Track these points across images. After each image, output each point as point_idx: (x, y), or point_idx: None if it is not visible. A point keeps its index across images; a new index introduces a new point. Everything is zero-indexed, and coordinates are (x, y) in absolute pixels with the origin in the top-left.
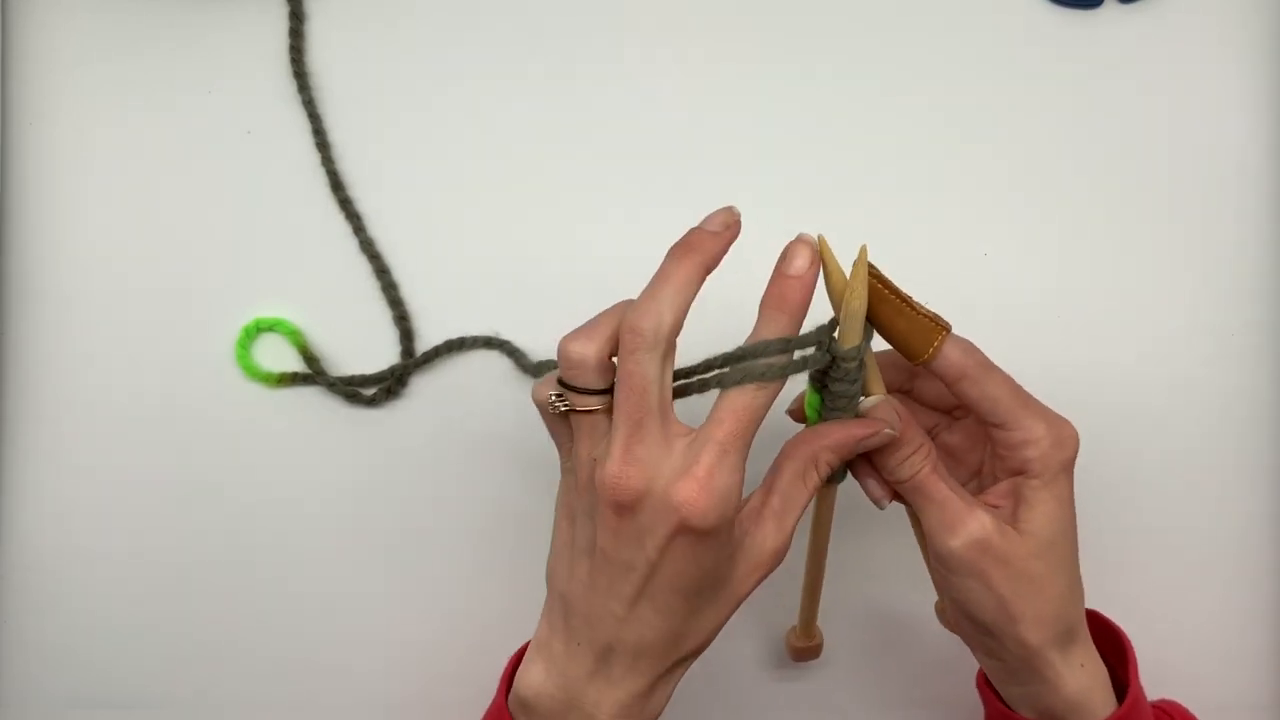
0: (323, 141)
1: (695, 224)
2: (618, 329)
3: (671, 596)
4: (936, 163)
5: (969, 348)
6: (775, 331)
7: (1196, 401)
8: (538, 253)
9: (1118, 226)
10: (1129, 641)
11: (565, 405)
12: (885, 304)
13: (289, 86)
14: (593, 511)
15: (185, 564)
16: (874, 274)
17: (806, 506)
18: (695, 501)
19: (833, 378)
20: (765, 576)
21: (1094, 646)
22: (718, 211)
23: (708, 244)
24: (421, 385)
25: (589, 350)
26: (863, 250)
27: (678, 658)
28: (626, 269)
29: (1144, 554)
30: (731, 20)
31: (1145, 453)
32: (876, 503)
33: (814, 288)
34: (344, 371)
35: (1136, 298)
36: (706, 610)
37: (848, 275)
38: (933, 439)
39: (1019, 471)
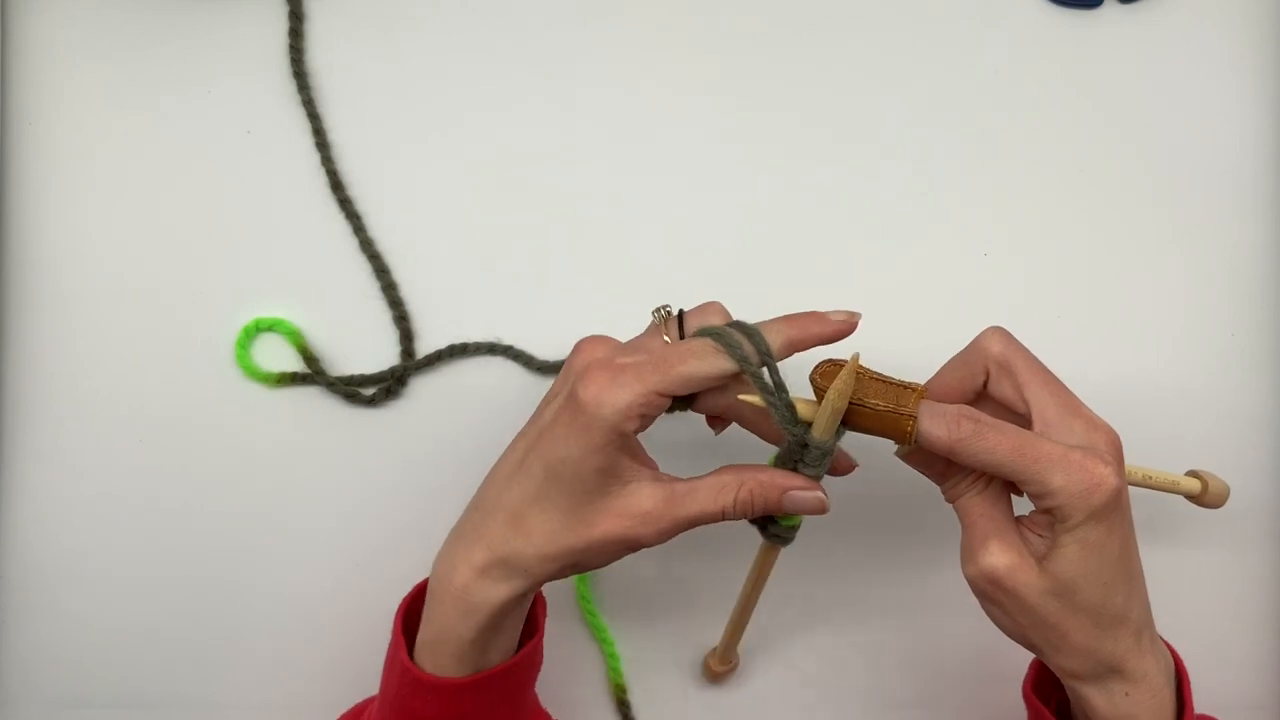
0: (322, 141)
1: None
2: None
3: (536, 466)
4: (936, 162)
5: (953, 420)
6: (768, 332)
7: (1196, 401)
8: (536, 252)
9: (1117, 226)
10: (1184, 670)
11: (669, 314)
12: (850, 413)
13: (289, 86)
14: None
15: (185, 563)
16: (820, 384)
17: (706, 516)
18: (589, 377)
19: (803, 462)
20: (622, 538)
21: (1152, 678)
22: (842, 311)
23: (812, 324)
24: (421, 386)
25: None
26: (854, 357)
27: (511, 551)
28: (627, 268)
29: (1143, 554)
30: (731, 22)
31: (1144, 452)
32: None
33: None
34: (343, 371)
35: (1136, 297)
36: (553, 512)
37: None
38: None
39: (1048, 513)
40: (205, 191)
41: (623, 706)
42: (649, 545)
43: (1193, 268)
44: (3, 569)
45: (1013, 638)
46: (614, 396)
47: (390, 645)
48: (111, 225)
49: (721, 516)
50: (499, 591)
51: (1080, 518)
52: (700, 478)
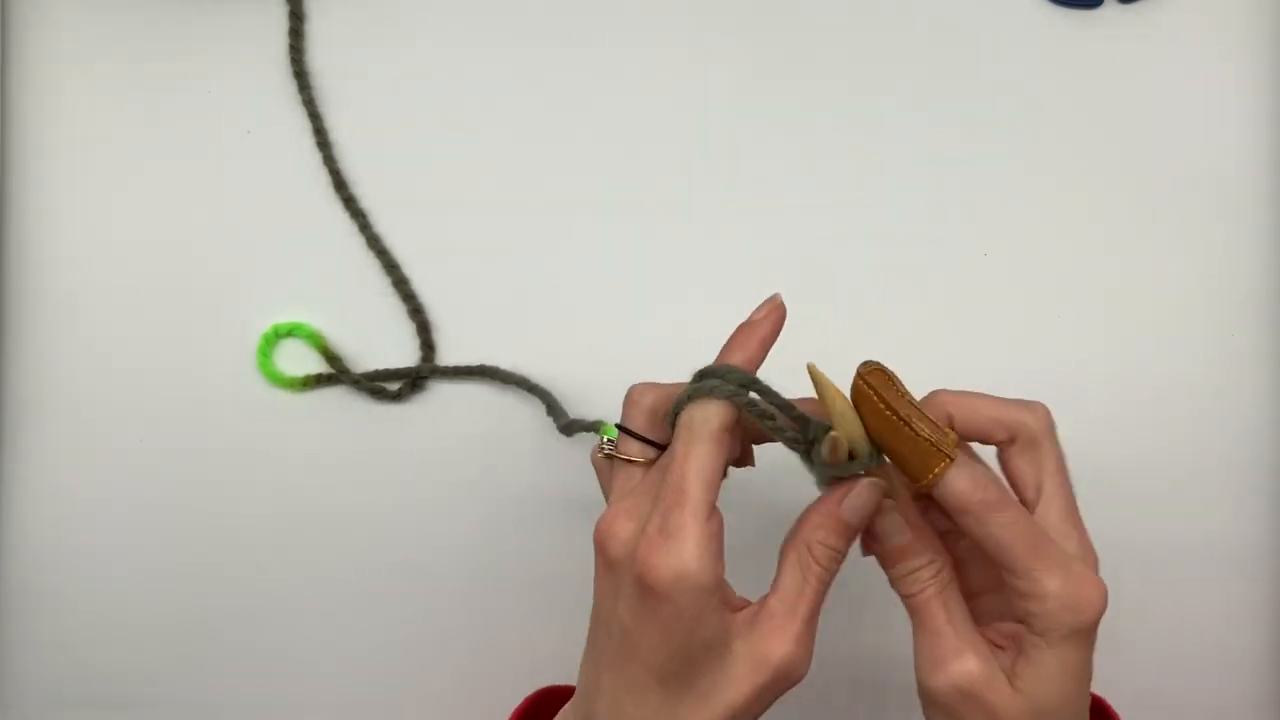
0: (324, 141)
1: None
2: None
3: (643, 674)
4: (936, 162)
5: (981, 480)
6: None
7: (1196, 402)
8: (540, 247)
9: (1117, 226)
10: None
11: (611, 449)
12: (881, 420)
13: (289, 86)
14: (595, 567)
15: (191, 565)
16: (874, 384)
17: (819, 600)
18: (648, 556)
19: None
20: (769, 688)
21: None
22: (760, 305)
23: (740, 338)
24: (444, 381)
25: (648, 397)
26: (846, 379)
27: None
28: (629, 265)
29: (1143, 554)
30: (734, 21)
31: (1144, 453)
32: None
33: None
34: (363, 369)
35: (1136, 298)
36: (689, 711)
37: (836, 392)
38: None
39: (1022, 621)
40: (205, 194)
41: None
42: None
43: (1192, 268)
44: (5, 569)
45: None
46: (671, 556)
47: None
48: (110, 228)
49: (822, 585)
50: None
51: (1063, 632)
52: (778, 574)
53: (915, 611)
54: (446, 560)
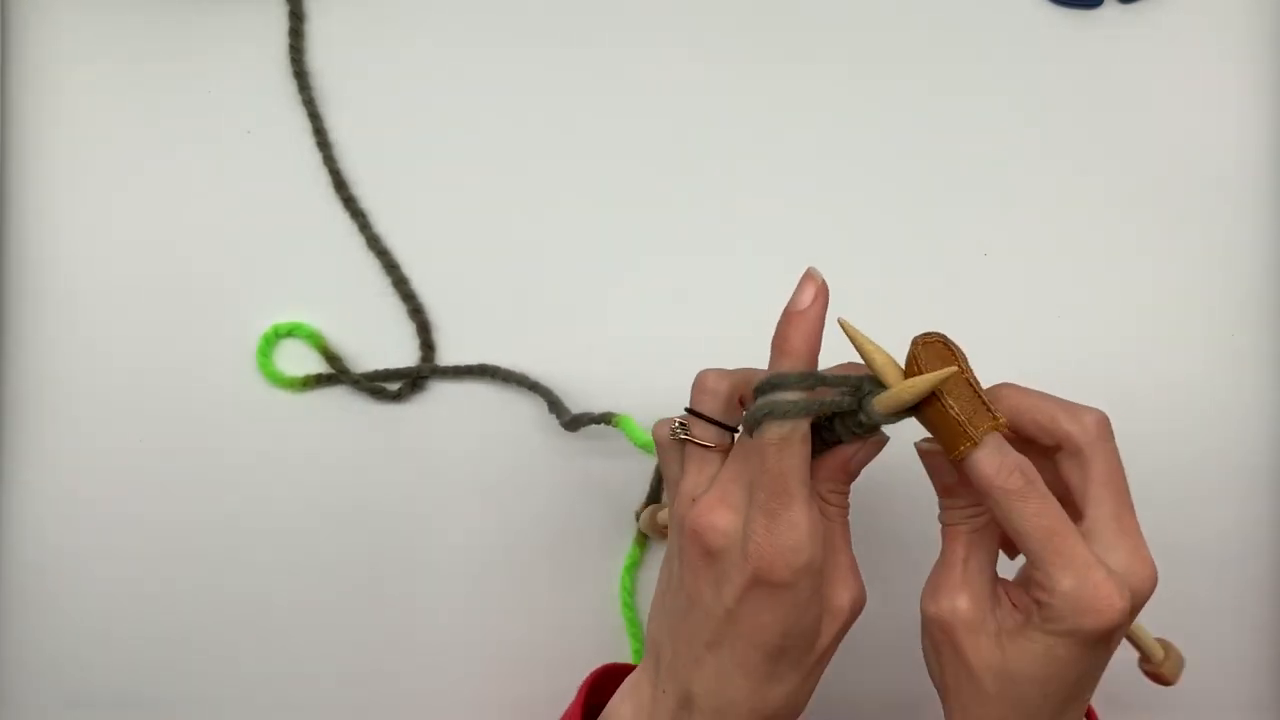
0: (324, 141)
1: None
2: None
3: (751, 651)
4: (936, 162)
5: (1007, 466)
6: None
7: (1196, 402)
8: (540, 247)
9: (1117, 226)
10: None
11: (685, 433)
12: (925, 401)
13: (289, 86)
14: (682, 551)
15: (191, 565)
16: (920, 355)
17: (847, 534)
18: (767, 555)
19: (844, 426)
20: (845, 628)
21: None
22: (801, 284)
23: (795, 331)
24: (443, 381)
25: (723, 384)
26: (957, 371)
27: None
28: (629, 265)
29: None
30: (734, 21)
31: (1144, 453)
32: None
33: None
34: (363, 369)
35: (1136, 298)
36: (790, 673)
37: (874, 348)
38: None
39: (1037, 603)
40: (206, 194)
41: None
42: (864, 600)
43: (1193, 268)
44: (5, 569)
45: (932, 681)
46: (786, 552)
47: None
48: (110, 228)
49: (846, 525)
50: None
51: (1063, 628)
52: (804, 515)
53: (943, 539)
54: (447, 560)
